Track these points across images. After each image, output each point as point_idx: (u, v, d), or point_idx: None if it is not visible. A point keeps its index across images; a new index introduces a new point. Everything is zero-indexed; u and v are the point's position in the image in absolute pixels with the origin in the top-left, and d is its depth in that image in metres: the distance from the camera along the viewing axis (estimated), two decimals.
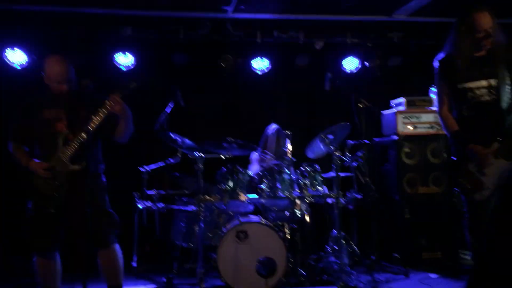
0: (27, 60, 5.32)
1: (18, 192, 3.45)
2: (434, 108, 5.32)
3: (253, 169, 5.26)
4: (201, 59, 5.81)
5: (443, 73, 3.51)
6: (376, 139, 5.75)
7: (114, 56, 5.51)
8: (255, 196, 4.31)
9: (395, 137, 5.35)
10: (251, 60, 5.81)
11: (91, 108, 3.35)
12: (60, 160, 3.31)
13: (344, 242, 4.58)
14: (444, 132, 3.61)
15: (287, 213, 4.46)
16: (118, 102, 3.31)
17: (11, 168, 3.54)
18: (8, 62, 5.30)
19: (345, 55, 5.96)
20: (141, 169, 5.01)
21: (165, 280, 4.55)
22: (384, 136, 5.68)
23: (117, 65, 5.53)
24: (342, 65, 5.99)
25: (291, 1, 5.16)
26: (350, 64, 6.00)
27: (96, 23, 5.42)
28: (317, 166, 4.49)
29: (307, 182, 4.39)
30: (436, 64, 3.55)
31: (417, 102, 5.43)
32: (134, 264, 4.97)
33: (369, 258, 4.73)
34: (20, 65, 5.34)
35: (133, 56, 5.53)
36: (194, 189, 4.85)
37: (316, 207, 4.93)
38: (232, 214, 4.62)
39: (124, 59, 5.53)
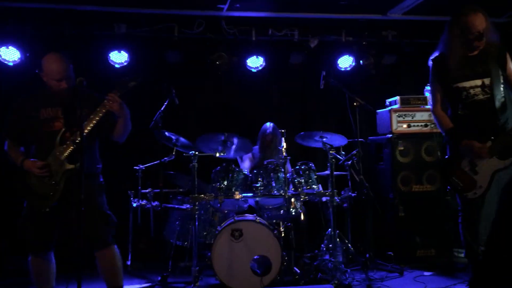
0: (20, 57, 5.29)
1: (15, 191, 3.40)
2: (429, 107, 5.34)
3: (245, 167, 5.27)
4: (196, 57, 5.80)
5: (437, 72, 3.52)
6: (371, 138, 5.77)
7: (109, 54, 5.48)
8: (250, 194, 4.31)
9: (390, 136, 5.37)
10: (246, 58, 5.80)
11: (89, 107, 3.32)
12: (57, 159, 3.28)
13: (338, 240, 4.59)
14: (439, 130, 3.63)
15: (282, 212, 4.46)
16: (116, 101, 3.29)
17: (7, 167, 3.48)
18: (1, 59, 5.27)
19: (340, 53, 5.97)
20: (136, 168, 4.99)
21: (159, 278, 4.54)
22: (378, 135, 5.69)
23: (111, 62, 5.51)
24: (336, 63, 5.99)
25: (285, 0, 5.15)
26: (345, 62, 6.00)
27: (90, 20, 5.40)
28: (311, 165, 4.50)
29: (302, 180, 4.39)
30: (430, 63, 3.56)
31: (412, 101, 5.45)
32: (129, 262, 4.96)
33: (363, 256, 4.74)
34: (13, 62, 5.31)
35: (127, 53, 5.50)
36: (188, 188, 4.85)
37: (311, 205, 4.94)
38: (226, 212, 4.62)
39: (118, 57, 5.51)
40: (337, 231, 4.54)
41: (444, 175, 3.55)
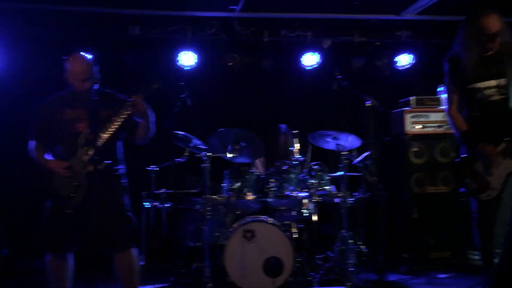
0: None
1: (26, 196, 3.42)
2: (443, 107, 5.28)
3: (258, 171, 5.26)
4: (209, 58, 5.81)
5: (452, 73, 3.49)
6: (384, 138, 5.72)
7: (123, 56, 5.53)
8: (262, 195, 4.30)
9: (403, 136, 5.32)
10: (259, 59, 5.80)
11: (113, 109, 3.32)
12: (80, 161, 3.26)
13: (351, 241, 4.56)
14: (453, 131, 3.59)
15: (294, 213, 4.45)
16: (139, 104, 3.27)
17: (20, 172, 3.50)
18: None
19: (353, 54, 5.94)
20: (149, 169, 5.02)
21: (173, 279, 4.56)
22: (392, 136, 5.65)
23: (126, 64, 5.56)
24: (350, 64, 5.96)
25: (298, 0, 5.14)
26: (358, 62, 5.97)
27: (105, 22, 5.45)
28: (324, 166, 4.48)
29: (315, 181, 4.38)
30: (445, 64, 3.53)
31: (426, 101, 5.40)
32: (142, 263, 4.98)
33: (377, 258, 4.71)
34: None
35: (141, 55, 5.55)
36: (201, 189, 4.86)
37: (324, 206, 4.92)
38: (239, 213, 4.62)
39: (133, 59, 5.56)
40: (350, 233, 4.52)
41: (457, 176, 3.51)
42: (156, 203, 4.93)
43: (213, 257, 4.29)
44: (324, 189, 4.37)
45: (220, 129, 4.26)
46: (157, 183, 5.03)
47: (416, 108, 5.36)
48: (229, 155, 4.29)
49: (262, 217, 4.36)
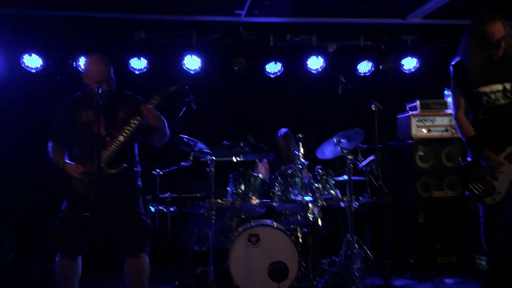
0: (42, 64, 5.40)
1: (57, 191, 3.40)
2: (449, 111, 5.26)
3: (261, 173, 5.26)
4: (214, 62, 5.83)
5: (458, 77, 3.48)
6: (390, 143, 5.70)
7: (129, 60, 5.55)
8: (267, 199, 4.29)
9: (409, 141, 5.30)
10: (264, 63, 5.81)
11: (129, 110, 3.32)
12: (97, 164, 3.15)
13: (357, 246, 4.54)
14: (459, 136, 3.57)
15: (299, 217, 4.44)
16: (151, 113, 3.25)
17: (27, 174, 3.51)
18: (24, 66, 5.38)
19: (359, 58, 5.93)
20: (154, 172, 5.03)
21: (177, 283, 4.56)
22: (398, 140, 5.62)
23: (131, 69, 5.58)
24: (355, 68, 5.95)
25: (303, 5, 5.14)
26: (364, 67, 5.96)
27: (110, 27, 5.48)
28: (329, 170, 4.47)
29: (320, 185, 4.36)
30: (451, 68, 3.52)
31: (432, 105, 5.37)
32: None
33: (383, 262, 4.68)
34: (36, 69, 5.42)
35: (146, 59, 5.57)
36: (206, 193, 4.86)
37: (329, 211, 4.90)
38: (244, 217, 4.62)
39: (138, 63, 5.57)
40: (356, 237, 4.49)
41: (462, 181, 3.49)
42: (161, 207, 4.94)
43: (218, 261, 4.28)
44: (330, 193, 4.35)
45: (223, 143, 4.29)
46: (162, 187, 5.04)
47: (422, 112, 5.34)
48: (235, 160, 4.30)
49: (267, 221, 4.35)
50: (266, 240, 4.12)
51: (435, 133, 5.31)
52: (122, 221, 3.32)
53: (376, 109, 4.62)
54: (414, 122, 5.31)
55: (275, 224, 4.26)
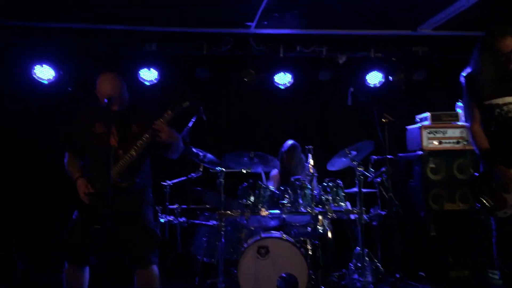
0: (54, 75, 5.46)
1: (71, 201, 3.41)
2: (461, 123, 5.22)
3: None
4: (224, 73, 5.85)
5: (470, 89, 3.45)
6: (401, 155, 5.66)
7: (139, 71, 5.59)
8: (276, 211, 4.27)
9: (420, 152, 5.26)
10: (274, 74, 5.82)
11: (143, 124, 3.32)
12: (109, 177, 3.14)
13: (367, 259, 4.49)
14: (473, 147, 3.53)
15: (309, 229, 4.41)
16: (163, 130, 3.22)
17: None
18: (36, 77, 5.44)
19: (369, 70, 5.92)
20: (163, 183, 5.04)
21: None
22: (408, 151, 5.58)
23: (141, 80, 5.62)
24: (365, 80, 5.94)
25: (313, 16, 5.16)
26: (374, 78, 5.95)
27: (122, 39, 5.53)
28: (339, 182, 4.44)
29: (330, 197, 4.33)
30: (462, 80, 3.50)
31: (443, 117, 5.33)
32: None
33: (393, 276, 4.63)
34: (48, 80, 5.48)
35: (157, 71, 5.61)
36: (215, 204, 4.85)
37: (339, 223, 4.86)
38: (253, 229, 4.59)
39: (148, 75, 5.61)
40: (366, 250, 4.45)
41: (473, 193, 3.44)
42: (171, 218, 4.94)
43: (227, 273, 4.26)
44: (340, 206, 4.32)
45: (234, 152, 4.28)
46: (172, 198, 5.05)
47: (433, 123, 5.30)
48: (244, 171, 4.30)
49: (277, 233, 4.32)
50: (275, 252, 4.09)
51: (446, 145, 5.26)
52: (132, 233, 3.31)
53: (386, 120, 4.61)
54: (425, 133, 5.27)
55: (284, 236, 4.23)
